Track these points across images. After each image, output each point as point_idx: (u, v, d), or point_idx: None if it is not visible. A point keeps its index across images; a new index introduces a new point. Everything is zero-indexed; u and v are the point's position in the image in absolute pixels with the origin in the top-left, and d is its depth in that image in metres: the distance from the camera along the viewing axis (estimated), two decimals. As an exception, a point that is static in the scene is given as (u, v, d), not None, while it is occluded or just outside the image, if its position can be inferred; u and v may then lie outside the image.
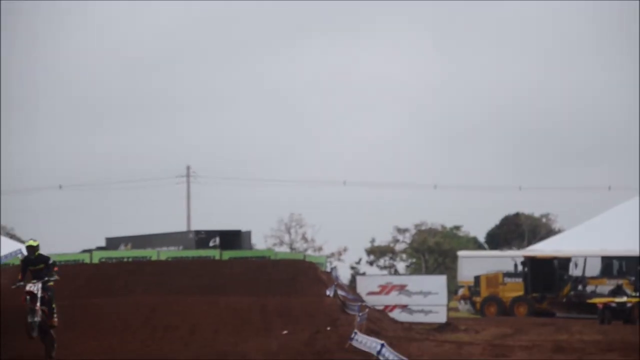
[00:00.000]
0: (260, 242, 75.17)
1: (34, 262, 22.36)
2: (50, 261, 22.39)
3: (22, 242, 63.55)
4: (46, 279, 22.05)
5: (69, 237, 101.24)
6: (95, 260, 49.67)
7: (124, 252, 53.71)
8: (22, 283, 22.35)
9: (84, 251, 54.55)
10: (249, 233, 57.79)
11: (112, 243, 59.46)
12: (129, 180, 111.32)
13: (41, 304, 21.97)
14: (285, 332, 29.03)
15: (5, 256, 46.23)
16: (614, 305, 43.94)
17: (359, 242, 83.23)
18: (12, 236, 72.35)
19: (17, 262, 46.63)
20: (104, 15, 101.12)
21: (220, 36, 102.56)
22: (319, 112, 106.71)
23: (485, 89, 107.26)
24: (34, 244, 22.44)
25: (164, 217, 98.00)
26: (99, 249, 56.89)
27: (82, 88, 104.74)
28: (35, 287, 22.05)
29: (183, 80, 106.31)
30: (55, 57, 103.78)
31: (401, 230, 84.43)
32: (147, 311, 32.13)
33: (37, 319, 22.03)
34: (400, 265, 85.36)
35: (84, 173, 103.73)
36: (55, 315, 22.62)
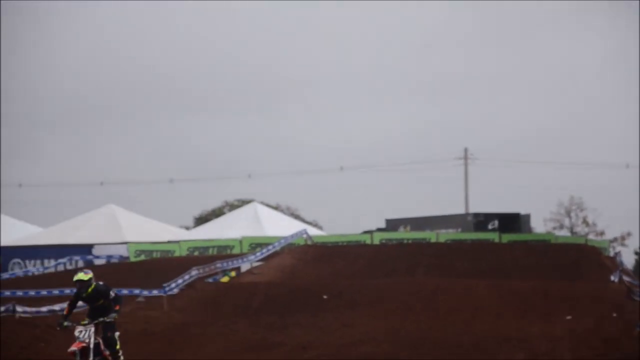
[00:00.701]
0: (539, 226, 74.15)
1: (90, 299, 17.37)
2: (112, 295, 17.41)
3: (307, 223, 65.71)
4: (102, 319, 17.13)
5: (350, 218, 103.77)
6: (376, 241, 50.62)
7: (404, 234, 54.41)
8: (68, 323, 17.41)
9: (365, 232, 55.70)
10: (528, 216, 57.09)
11: (392, 224, 60.31)
12: (408, 162, 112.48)
13: (104, 347, 17.10)
14: (569, 317, 28.60)
15: (292, 236, 47.87)
16: None
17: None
18: (297, 217, 74.90)
19: (302, 242, 48.29)
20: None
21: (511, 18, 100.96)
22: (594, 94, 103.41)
23: None
24: (85, 277, 17.28)
25: (442, 199, 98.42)
26: (379, 230, 57.86)
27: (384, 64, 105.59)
28: (86, 333, 17.09)
29: (465, 61, 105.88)
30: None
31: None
32: (428, 293, 32.50)
33: None
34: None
35: (365, 154, 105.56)
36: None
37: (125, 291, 35.24)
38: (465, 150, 74.28)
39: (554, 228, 75.43)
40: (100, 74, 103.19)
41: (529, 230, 57.74)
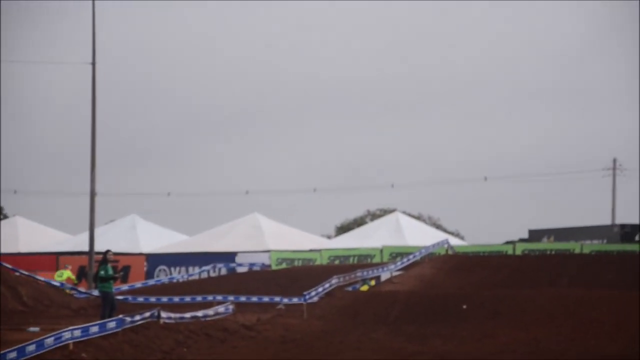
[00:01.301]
0: (689, 238, 71.97)
1: None
2: None
3: (449, 233, 65.30)
4: None
5: (492, 228, 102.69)
6: (518, 252, 50.02)
7: (547, 245, 53.59)
8: None
9: (507, 242, 55.09)
10: (678, 228, 55.52)
11: (535, 235, 59.45)
12: (553, 172, 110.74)
13: None
14: None
15: (433, 245, 47.69)
16: None
17: None
18: (439, 227, 74.55)
19: (443, 252, 48.05)
20: None
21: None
22: None
23: None
24: None
25: (588, 210, 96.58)
26: (522, 240, 57.11)
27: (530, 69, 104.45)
28: None
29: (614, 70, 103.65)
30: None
31: None
32: (571, 304, 31.85)
33: None
34: None
35: (508, 164, 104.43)
36: None
37: (266, 298, 35.74)
38: (614, 160, 72.80)
39: None
40: (247, 82, 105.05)
41: (679, 242, 56.13)
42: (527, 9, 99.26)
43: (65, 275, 39.01)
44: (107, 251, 28.73)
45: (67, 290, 37.95)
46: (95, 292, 34.09)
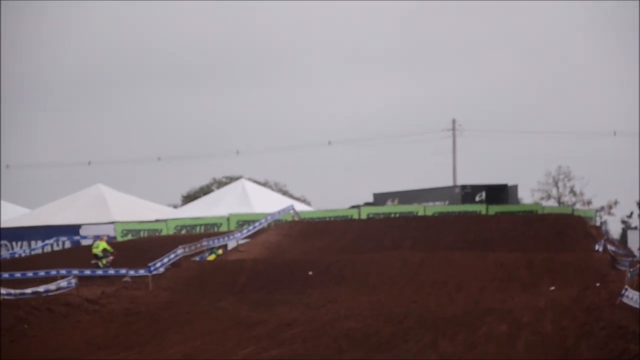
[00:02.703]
0: (527, 197, 74.25)
1: None
2: None
3: (295, 199, 65.66)
4: None
5: (338, 192, 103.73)
6: (364, 216, 50.68)
7: (392, 208, 54.45)
8: None
9: (353, 207, 55.73)
10: (515, 187, 57.18)
11: (380, 198, 60.34)
12: (395, 135, 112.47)
13: None
14: (552, 288, 28.68)
15: (278, 212, 47.89)
16: None
17: (631, 195, 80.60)
18: (285, 193, 74.85)
19: (289, 218, 48.28)
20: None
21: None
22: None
23: None
24: None
25: (430, 172, 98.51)
26: (367, 204, 57.87)
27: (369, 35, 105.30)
28: None
29: (451, 31, 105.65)
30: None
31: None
32: (414, 267, 32.55)
33: None
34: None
35: (352, 129, 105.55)
36: None
37: (111, 271, 35.27)
38: (453, 121, 74.19)
39: (542, 198, 75.53)
40: (83, 49, 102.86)
41: (517, 201, 57.84)
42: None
43: (101, 246, 37.89)
44: None
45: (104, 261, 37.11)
46: None
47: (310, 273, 33.37)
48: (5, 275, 34.98)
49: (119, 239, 47.72)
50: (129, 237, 48.07)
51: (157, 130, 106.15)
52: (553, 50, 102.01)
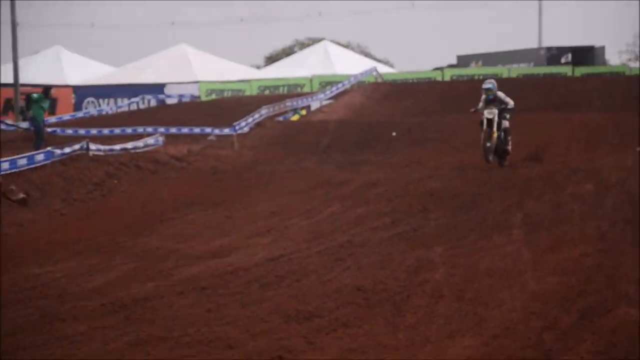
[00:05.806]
0: (613, 58, 72.83)
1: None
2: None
3: (377, 61, 65.26)
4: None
5: (421, 54, 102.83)
6: (447, 78, 50.34)
7: (475, 70, 53.92)
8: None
9: (436, 69, 55.33)
10: (602, 49, 56.12)
11: (463, 60, 59.74)
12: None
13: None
14: (639, 148, 28.27)
15: (361, 74, 47.74)
16: None
17: None
18: (367, 54, 74.40)
19: (372, 80, 48.09)
20: None
21: None
22: None
23: None
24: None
25: (515, 34, 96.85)
26: (450, 66, 57.37)
27: None
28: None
29: None
30: None
31: None
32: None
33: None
34: None
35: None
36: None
37: (196, 130, 35.71)
38: (540, -18, 72.39)
39: (629, 60, 74.08)
40: None
41: (604, 63, 56.84)
42: None
43: None
44: (50, 87, 29.51)
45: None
46: (24, 125, 33.84)
47: (394, 134, 33.37)
48: (94, 131, 35.61)
49: (203, 98, 48.15)
50: (213, 96, 48.45)
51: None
52: None
